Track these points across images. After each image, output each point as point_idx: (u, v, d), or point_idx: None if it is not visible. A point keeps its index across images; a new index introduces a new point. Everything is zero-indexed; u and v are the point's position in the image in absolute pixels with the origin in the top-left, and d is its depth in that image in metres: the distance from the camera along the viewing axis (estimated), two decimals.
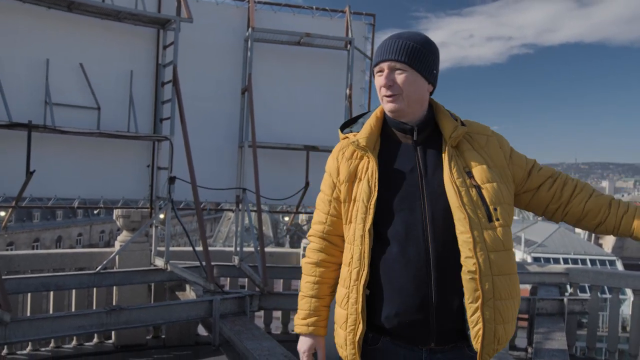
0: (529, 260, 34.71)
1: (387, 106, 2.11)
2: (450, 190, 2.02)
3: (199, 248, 6.38)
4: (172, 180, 6.29)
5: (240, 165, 7.05)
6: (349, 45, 7.18)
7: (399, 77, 2.07)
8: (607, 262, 39.41)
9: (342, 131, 2.30)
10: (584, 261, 38.00)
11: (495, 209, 2.03)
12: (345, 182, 2.15)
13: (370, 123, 2.19)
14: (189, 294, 6.39)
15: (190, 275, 6.18)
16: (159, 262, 6.59)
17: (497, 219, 2.03)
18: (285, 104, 7.29)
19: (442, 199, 2.03)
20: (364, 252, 2.05)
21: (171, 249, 6.82)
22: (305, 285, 2.27)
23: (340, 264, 2.23)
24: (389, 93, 2.08)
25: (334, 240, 2.24)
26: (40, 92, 6.06)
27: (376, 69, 2.14)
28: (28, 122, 5.72)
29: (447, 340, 2.06)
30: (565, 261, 35.78)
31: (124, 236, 7.02)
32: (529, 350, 6.34)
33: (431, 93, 2.19)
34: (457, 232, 1.99)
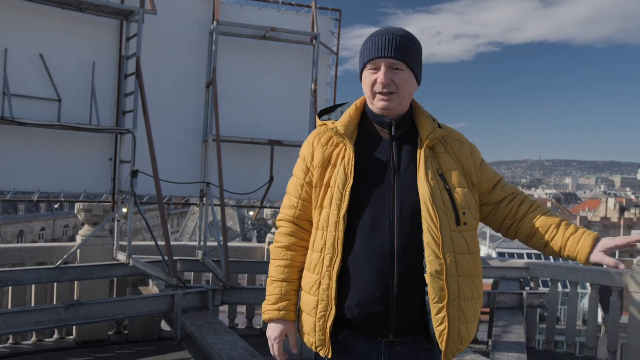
0: (494, 255, 35.30)
1: (380, 104, 2.12)
2: (424, 189, 2.05)
3: (162, 243, 6.33)
4: (134, 174, 6.22)
5: (204, 160, 7.00)
6: (314, 41, 7.19)
7: (397, 76, 2.09)
8: None
9: (320, 118, 2.31)
10: (546, 256, 38.71)
11: (464, 213, 2.08)
12: (319, 167, 2.16)
13: (350, 112, 2.21)
14: (152, 289, 6.34)
15: (153, 270, 6.12)
16: (122, 257, 6.51)
17: (465, 223, 2.08)
18: (250, 99, 7.26)
19: (413, 196, 2.06)
20: (338, 238, 2.05)
21: (134, 243, 6.74)
22: (276, 269, 2.25)
23: (307, 249, 2.23)
24: (385, 91, 2.09)
25: (304, 225, 2.24)
26: None
27: (370, 65, 2.13)
28: None
29: (406, 333, 2.09)
30: (529, 256, 36.47)
31: (85, 230, 6.93)
32: (490, 343, 6.45)
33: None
34: (425, 231, 2.02)
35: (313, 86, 7.16)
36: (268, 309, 2.24)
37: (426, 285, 2.02)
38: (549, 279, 7.91)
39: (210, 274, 7.10)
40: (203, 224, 7.14)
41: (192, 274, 7.43)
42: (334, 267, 2.05)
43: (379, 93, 2.10)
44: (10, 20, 6.01)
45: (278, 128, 7.22)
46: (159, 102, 6.54)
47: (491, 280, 8.01)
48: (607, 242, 2.10)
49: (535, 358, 6.72)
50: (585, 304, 20.08)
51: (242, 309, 7.55)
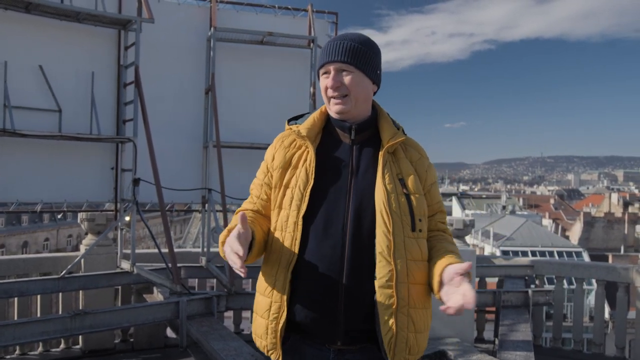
0: (498, 253, 35.26)
1: (335, 108, 2.12)
2: (379, 193, 2.03)
3: (165, 250, 6.34)
4: (136, 182, 6.23)
5: (205, 166, 7.02)
6: (311, 44, 7.21)
7: (346, 78, 2.09)
8: (573, 253, 40.25)
9: (288, 123, 2.31)
10: (551, 253, 38.72)
11: (420, 220, 2.07)
12: (279, 168, 2.15)
13: (314, 116, 2.21)
14: (156, 296, 6.35)
15: (157, 278, 6.13)
16: (125, 265, 6.52)
17: (420, 230, 2.06)
18: (249, 103, 7.27)
19: (368, 200, 2.04)
20: (296, 239, 2.02)
21: (137, 251, 6.75)
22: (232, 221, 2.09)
23: (268, 228, 2.16)
24: (336, 94, 2.09)
25: (262, 215, 2.20)
26: None
27: (322, 71, 2.14)
28: None
29: (355, 340, 2.04)
30: (533, 254, 36.46)
31: (89, 239, 6.95)
32: (496, 342, 6.45)
33: (374, 93, 2.22)
34: (377, 235, 1.99)
35: (311, 89, 7.18)
36: (220, 238, 2.02)
37: (375, 291, 1.98)
38: (554, 276, 7.90)
39: (214, 280, 7.11)
40: (205, 230, 7.15)
41: (196, 280, 7.44)
42: (289, 268, 2.02)
43: (332, 97, 2.11)
44: (10, 32, 6.03)
45: (277, 132, 7.19)
46: (158, 110, 6.57)
47: (495, 279, 8.00)
48: (448, 277, 1.95)
49: (543, 356, 6.71)
50: (591, 300, 20.01)
51: (246, 314, 7.55)
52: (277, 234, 2.09)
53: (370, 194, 2.05)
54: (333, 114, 2.16)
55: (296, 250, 2.02)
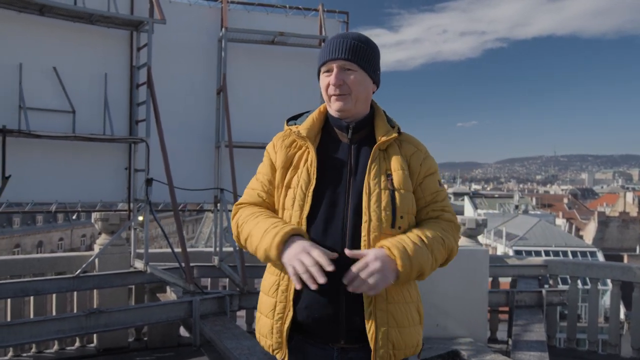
0: (511, 253, 35.06)
1: (335, 105, 2.12)
2: (365, 190, 2.04)
3: (178, 249, 6.38)
4: (149, 182, 6.28)
5: (217, 166, 7.05)
6: (322, 44, 7.21)
7: (349, 77, 2.09)
8: (587, 253, 39.92)
9: (287, 123, 2.31)
10: (565, 253, 38.46)
11: (402, 217, 2.06)
12: (280, 168, 2.15)
13: (313, 116, 2.22)
14: (170, 295, 6.39)
15: (170, 277, 6.18)
16: (139, 265, 6.57)
17: (399, 227, 2.05)
18: (261, 103, 7.30)
19: (361, 198, 2.06)
20: None
21: (151, 250, 6.79)
22: (247, 219, 2.12)
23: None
24: (338, 92, 2.10)
25: (268, 205, 2.19)
26: (14, 97, 6.00)
27: (324, 68, 2.15)
28: (2, 127, 5.68)
29: (358, 339, 2.04)
30: (547, 253, 36.18)
31: (102, 239, 7.00)
32: (510, 342, 6.42)
33: (373, 92, 2.22)
34: (362, 233, 2.01)
35: None
36: (268, 240, 1.98)
37: None
38: (568, 276, 7.83)
39: (227, 279, 7.13)
40: (218, 229, 7.18)
41: (209, 279, 7.47)
42: None
43: (333, 95, 2.11)
44: (24, 35, 6.10)
45: None
46: (170, 110, 6.61)
47: (509, 279, 7.96)
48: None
49: (557, 357, 6.66)
50: (606, 300, 19.84)
51: None
52: None
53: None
54: (333, 112, 2.17)
55: None
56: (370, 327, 1.99)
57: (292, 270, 1.92)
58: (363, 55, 2.11)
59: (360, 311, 2.01)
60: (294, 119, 2.31)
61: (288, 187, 2.11)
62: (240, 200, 2.29)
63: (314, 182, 2.06)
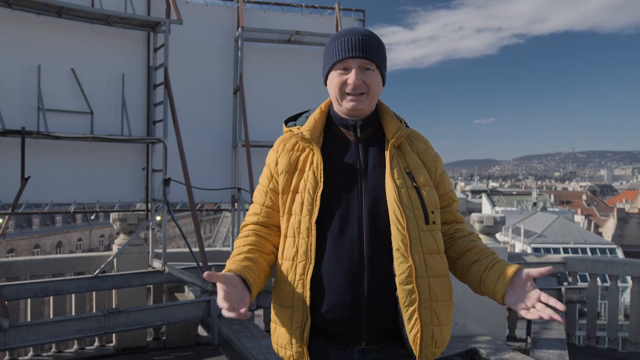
0: (529, 250, 34.79)
1: (350, 104, 2.05)
2: (390, 189, 1.99)
3: (196, 249, 6.40)
4: (167, 182, 6.31)
5: (234, 165, 7.07)
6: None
7: (368, 77, 2.04)
8: (607, 250, 39.47)
9: (285, 125, 2.25)
10: (584, 250, 38.04)
11: (433, 212, 2.03)
12: (285, 172, 2.09)
13: (314, 116, 2.16)
14: (188, 295, 6.42)
15: (188, 277, 6.19)
16: (157, 264, 6.61)
17: (434, 222, 2.02)
18: (277, 102, 7.31)
19: (381, 197, 2.01)
20: (311, 244, 1.98)
21: (168, 250, 6.83)
22: (236, 250, 2.09)
23: (272, 253, 2.13)
24: (356, 91, 2.04)
25: (268, 228, 2.16)
26: (33, 99, 6.08)
27: (339, 65, 2.06)
28: (21, 129, 5.74)
29: (379, 339, 2.01)
30: (565, 250, 35.87)
31: (121, 239, 7.05)
32: (529, 340, 6.37)
33: None
34: (392, 232, 1.96)
35: None
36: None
37: (396, 288, 1.96)
38: (587, 273, 7.74)
39: None
40: (235, 229, 7.19)
41: None
42: (307, 274, 1.98)
43: (350, 94, 2.04)
44: (42, 37, 6.17)
45: None
46: (187, 110, 6.65)
47: None
48: (521, 281, 1.92)
49: (577, 354, 6.60)
50: (626, 297, 19.63)
51: None
52: (289, 241, 2.05)
53: (381, 191, 2.01)
54: (344, 111, 2.10)
55: (313, 256, 1.97)
56: (412, 328, 1.94)
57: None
58: (379, 54, 2.07)
59: (385, 313, 1.97)
60: (293, 119, 2.25)
61: (295, 191, 2.06)
62: (245, 219, 2.24)
63: (321, 185, 2.00)
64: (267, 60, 7.29)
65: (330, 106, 2.19)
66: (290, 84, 7.38)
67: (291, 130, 2.17)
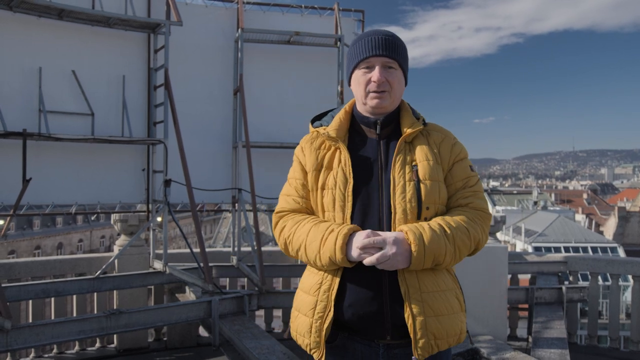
0: (530, 250, 34.76)
1: (373, 102, 2.13)
2: (393, 184, 2.06)
3: (197, 249, 6.41)
4: (167, 183, 6.32)
5: (235, 166, 7.08)
6: (338, 43, 7.20)
7: (391, 75, 2.12)
8: (608, 249, 39.43)
9: (312, 124, 2.33)
10: (585, 249, 38.01)
11: (428, 208, 2.06)
12: (312, 170, 2.17)
13: (339, 116, 2.23)
14: (189, 295, 6.42)
15: (189, 277, 6.21)
16: (158, 265, 6.62)
17: (425, 218, 2.05)
18: (278, 103, 7.32)
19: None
20: None
21: (169, 251, 6.85)
22: (295, 229, 2.14)
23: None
24: (380, 89, 2.11)
25: (305, 209, 2.21)
26: (34, 101, 6.09)
27: (364, 64, 2.14)
28: (23, 131, 5.76)
29: (404, 334, 2.04)
30: (566, 249, 35.83)
31: (122, 240, 7.06)
32: (530, 339, 6.37)
33: None
34: (393, 225, 2.03)
35: (339, 88, 7.18)
36: (330, 247, 1.99)
37: None
38: (588, 272, 7.73)
39: (245, 279, 7.16)
40: (236, 229, 7.20)
41: (227, 279, 7.50)
42: (339, 268, 2.05)
43: (374, 92, 2.11)
44: (43, 39, 6.18)
45: (306, 131, 7.22)
46: (188, 112, 6.66)
47: (528, 276, 7.89)
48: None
49: (578, 354, 6.60)
50: (627, 296, 19.62)
51: (277, 312, 7.58)
52: None
53: None
54: (368, 108, 2.18)
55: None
56: (408, 319, 1.99)
57: (367, 260, 1.94)
58: (402, 53, 2.15)
59: (403, 305, 2.02)
60: (318, 118, 2.34)
61: (323, 188, 2.13)
62: (278, 208, 2.29)
63: (351, 181, 2.08)
64: (267, 61, 7.30)
65: (353, 107, 2.27)
66: (291, 85, 7.38)
67: (317, 131, 2.26)
